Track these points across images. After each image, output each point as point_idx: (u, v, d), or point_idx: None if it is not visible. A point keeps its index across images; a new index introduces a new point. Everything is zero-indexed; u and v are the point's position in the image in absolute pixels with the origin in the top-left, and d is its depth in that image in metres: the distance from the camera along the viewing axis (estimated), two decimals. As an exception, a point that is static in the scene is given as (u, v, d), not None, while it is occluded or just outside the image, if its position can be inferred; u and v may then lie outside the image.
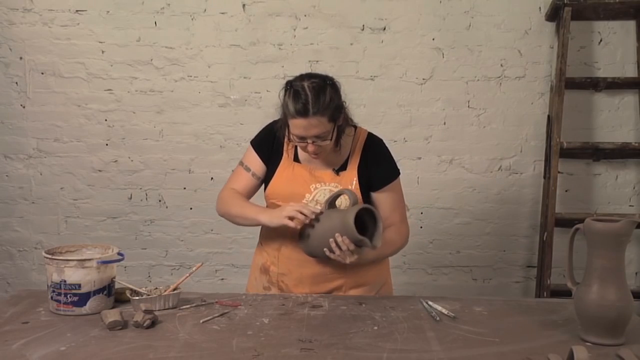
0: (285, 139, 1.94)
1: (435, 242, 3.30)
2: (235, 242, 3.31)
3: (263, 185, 2.02)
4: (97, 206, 3.30)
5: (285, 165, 1.95)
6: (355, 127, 1.98)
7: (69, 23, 3.19)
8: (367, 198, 1.94)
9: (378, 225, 1.77)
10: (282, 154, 1.97)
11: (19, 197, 3.30)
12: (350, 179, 1.92)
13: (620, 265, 1.49)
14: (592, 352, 1.42)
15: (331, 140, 1.82)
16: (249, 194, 2.01)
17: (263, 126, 2.04)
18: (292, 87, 1.79)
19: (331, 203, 1.83)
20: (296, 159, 1.96)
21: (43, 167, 3.27)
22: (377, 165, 1.94)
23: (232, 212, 1.95)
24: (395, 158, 2.02)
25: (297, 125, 1.77)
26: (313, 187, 1.91)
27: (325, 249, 1.77)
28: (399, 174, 1.99)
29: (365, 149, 1.95)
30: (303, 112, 1.74)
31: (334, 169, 1.94)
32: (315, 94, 1.75)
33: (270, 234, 2.01)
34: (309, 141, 1.79)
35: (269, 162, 1.98)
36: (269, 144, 1.98)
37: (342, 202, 1.87)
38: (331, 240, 1.74)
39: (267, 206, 2.02)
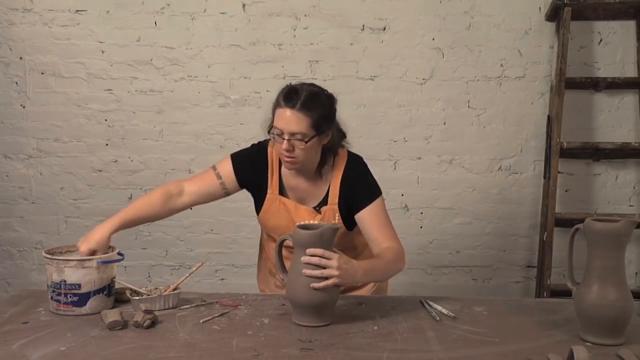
0: (269, 171, 1.94)
1: (435, 242, 3.30)
2: (235, 242, 3.31)
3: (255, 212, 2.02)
4: (97, 206, 3.30)
5: (272, 199, 1.94)
6: (335, 154, 1.93)
7: (69, 23, 3.19)
8: (351, 224, 1.92)
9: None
10: (266, 185, 1.95)
11: (19, 197, 3.30)
12: (333, 214, 1.90)
13: (620, 265, 1.50)
14: (592, 352, 1.42)
15: (306, 142, 1.77)
16: (202, 196, 1.99)
17: (247, 143, 2.04)
18: (291, 85, 1.82)
19: (282, 261, 1.73)
20: (282, 192, 1.95)
21: (43, 167, 3.27)
22: (357, 187, 1.90)
23: None
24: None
25: (281, 116, 1.76)
26: (297, 224, 1.88)
27: (311, 285, 1.59)
28: (381, 194, 1.91)
29: (345, 177, 1.90)
30: (291, 104, 1.75)
31: (314, 207, 1.92)
32: (308, 95, 1.77)
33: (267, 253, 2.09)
34: (285, 137, 1.76)
35: (249, 188, 1.99)
36: (251, 171, 1.96)
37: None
38: (304, 270, 1.58)
39: (263, 234, 2.10)
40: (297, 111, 1.74)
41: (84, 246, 1.76)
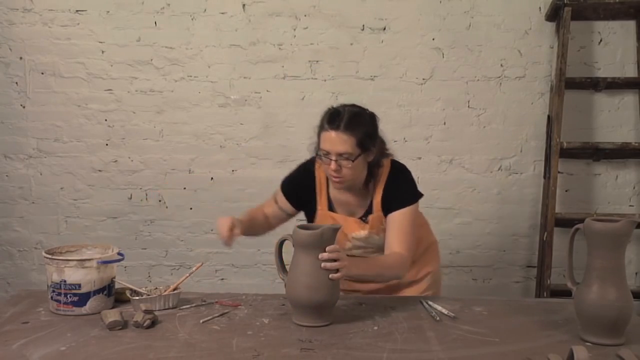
0: (317, 190, 2.03)
1: (435, 242, 3.29)
2: (235, 242, 3.28)
3: None
4: (97, 206, 3.30)
5: (322, 216, 2.03)
6: (380, 166, 1.99)
7: (69, 23, 3.19)
8: None
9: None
10: (315, 203, 2.04)
11: (19, 197, 3.30)
12: (380, 221, 1.98)
13: (620, 265, 1.50)
14: (592, 352, 1.42)
15: (353, 161, 1.84)
16: (274, 219, 2.13)
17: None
18: (333, 108, 1.91)
19: (282, 261, 1.77)
20: (331, 208, 2.03)
21: (43, 167, 3.27)
22: (395, 192, 1.96)
23: None
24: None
25: (326, 138, 1.84)
26: (350, 236, 2.01)
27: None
28: (414, 203, 1.96)
29: (387, 185, 1.97)
30: (335, 126, 1.83)
31: (360, 218, 2.00)
32: (351, 115, 1.86)
33: None
34: (333, 158, 1.84)
35: (300, 206, 2.10)
36: (300, 194, 2.06)
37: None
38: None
39: None
40: (341, 132, 1.83)
41: (225, 220, 1.87)
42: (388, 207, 1.95)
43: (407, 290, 2.10)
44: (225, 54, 3.19)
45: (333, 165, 1.85)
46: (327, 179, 2.01)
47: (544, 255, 3.05)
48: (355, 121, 1.85)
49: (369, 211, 2.00)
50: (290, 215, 2.13)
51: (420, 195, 2.00)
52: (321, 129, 1.88)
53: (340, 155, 1.83)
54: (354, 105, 1.93)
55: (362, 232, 1.99)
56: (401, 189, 1.97)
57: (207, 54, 3.19)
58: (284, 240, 1.72)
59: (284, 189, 2.09)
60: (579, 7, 2.96)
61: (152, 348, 1.46)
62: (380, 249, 1.99)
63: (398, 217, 1.93)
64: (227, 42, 3.18)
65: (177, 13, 3.17)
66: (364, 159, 1.89)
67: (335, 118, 1.85)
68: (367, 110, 1.94)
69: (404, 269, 1.90)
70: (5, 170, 3.28)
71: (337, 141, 1.83)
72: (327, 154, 1.85)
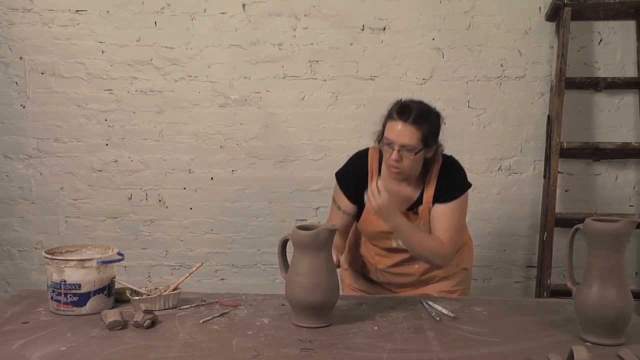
0: (369, 180, 2.04)
1: (435, 242, 3.29)
2: (235, 242, 3.31)
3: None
4: (97, 206, 3.30)
5: (370, 208, 2.01)
6: (436, 161, 2.03)
7: (69, 23, 3.19)
8: None
9: None
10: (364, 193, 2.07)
11: (19, 197, 3.30)
12: (429, 212, 2.01)
13: (620, 265, 1.50)
14: (592, 352, 1.42)
15: (415, 155, 1.89)
16: (346, 231, 2.13)
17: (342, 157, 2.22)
18: (402, 101, 1.97)
19: (285, 260, 1.77)
20: None
21: (43, 167, 3.27)
22: (446, 185, 2.01)
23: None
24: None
25: (392, 128, 1.90)
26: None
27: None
28: (462, 194, 2.01)
29: (441, 178, 2.02)
30: (404, 118, 1.89)
31: (409, 210, 2.03)
32: (420, 111, 1.92)
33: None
34: (396, 147, 1.88)
35: (357, 199, 2.09)
36: (355, 184, 2.08)
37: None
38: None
39: (356, 237, 2.21)
40: (409, 124, 1.88)
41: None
42: (439, 199, 1.99)
43: (439, 284, 2.13)
44: (225, 54, 3.19)
45: (395, 155, 1.89)
46: (379, 171, 2.05)
47: (544, 255, 3.05)
48: (423, 117, 1.90)
49: (418, 202, 2.02)
50: (352, 218, 2.10)
51: (469, 185, 2.05)
52: (389, 118, 1.93)
53: (403, 146, 1.88)
54: (422, 102, 1.98)
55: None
56: (454, 182, 2.02)
57: (207, 54, 3.19)
58: (287, 239, 1.72)
59: (341, 182, 2.09)
60: (579, 7, 2.96)
61: (152, 348, 1.46)
62: None
63: (446, 211, 1.97)
64: (227, 42, 3.18)
65: (177, 13, 3.17)
66: (423, 154, 1.94)
67: (405, 110, 1.90)
68: (435, 109, 1.99)
69: (442, 256, 1.95)
70: (5, 170, 3.28)
71: (404, 132, 1.88)
72: (391, 143, 1.90)
